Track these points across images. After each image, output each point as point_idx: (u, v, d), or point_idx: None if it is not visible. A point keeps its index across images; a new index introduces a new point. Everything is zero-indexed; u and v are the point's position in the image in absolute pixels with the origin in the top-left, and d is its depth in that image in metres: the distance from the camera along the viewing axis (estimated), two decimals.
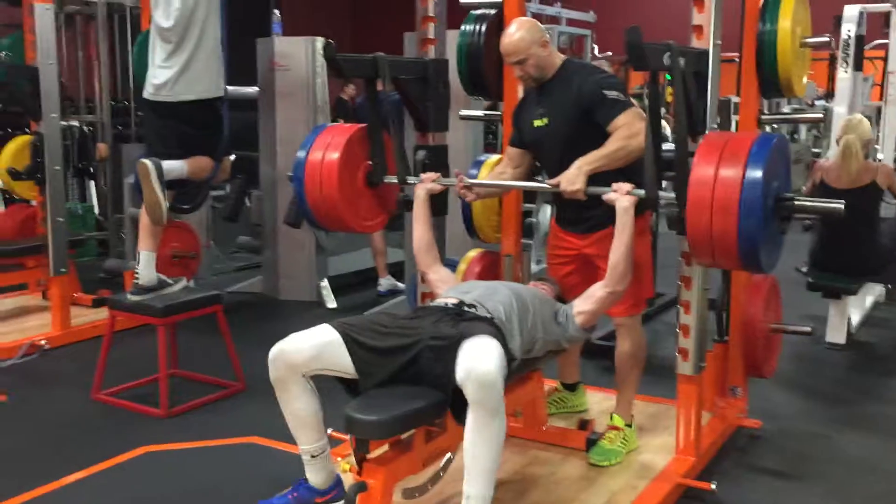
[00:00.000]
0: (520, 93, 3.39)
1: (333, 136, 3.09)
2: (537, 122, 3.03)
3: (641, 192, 2.67)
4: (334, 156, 3.03)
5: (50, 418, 3.72)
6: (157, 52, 3.91)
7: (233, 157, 5.90)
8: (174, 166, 3.85)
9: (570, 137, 2.93)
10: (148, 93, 3.96)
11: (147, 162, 3.72)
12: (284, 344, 2.39)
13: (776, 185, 2.43)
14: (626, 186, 2.69)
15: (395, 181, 3.14)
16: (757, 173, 2.31)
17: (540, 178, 3.33)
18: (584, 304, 2.79)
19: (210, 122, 3.97)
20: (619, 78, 3.11)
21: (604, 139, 2.85)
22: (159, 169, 3.72)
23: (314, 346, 2.39)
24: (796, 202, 2.46)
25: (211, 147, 4.01)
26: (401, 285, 5.71)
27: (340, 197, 3.04)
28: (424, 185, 3.06)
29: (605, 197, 2.74)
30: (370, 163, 3.13)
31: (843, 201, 2.52)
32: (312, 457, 2.52)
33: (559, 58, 3.02)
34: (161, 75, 3.87)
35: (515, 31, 2.91)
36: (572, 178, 2.77)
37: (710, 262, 2.55)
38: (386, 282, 5.91)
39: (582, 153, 2.84)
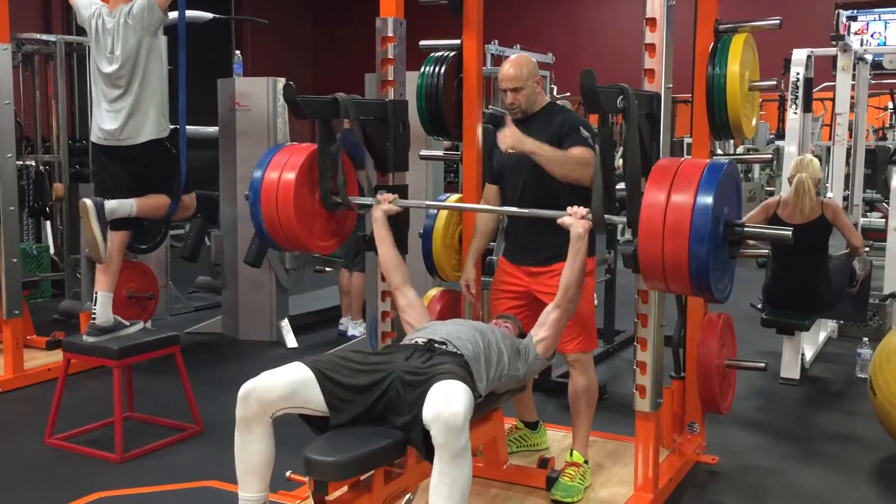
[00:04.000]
0: (479, 134, 3.47)
1: (290, 155, 3.08)
2: (511, 150, 3.11)
3: None
4: (291, 175, 3.01)
5: (1, 464, 3.63)
6: (102, 96, 3.92)
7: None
8: (121, 205, 3.84)
9: (536, 166, 3.01)
10: (98, 137, 3.96)
11: (87, 201, 3.73)
12: (257, 381, 2.35)
13: (727, 211, 2.48)
14: (581, 210, 2.74)
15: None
16: (708, 199, 2.35)
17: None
18: (541, 331, 2.85)
19: (162, 161, 3.97)
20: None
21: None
22: (100, 208, 3.73)
23: (288, 384, 2.36)
24: (746, 229, 2.52)
25: (165, 185, 3.99)
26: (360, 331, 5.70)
27: (297, 217, 3.01)
28: (381, 207, 3.09)
29: (559, 221, 2.78)
30: (325, 189, 3.11)
31: (790, 228, 2.59)
32: None
33: (545, 98, 3.21)
34: (109, 120, 3.88)
35: (518, 62, 3.13)
36: (520, 136, 2.92)
37: (663, 287, 2.59)
38: (348, 321, 5.88)
39: (542, 184, 3.02)
